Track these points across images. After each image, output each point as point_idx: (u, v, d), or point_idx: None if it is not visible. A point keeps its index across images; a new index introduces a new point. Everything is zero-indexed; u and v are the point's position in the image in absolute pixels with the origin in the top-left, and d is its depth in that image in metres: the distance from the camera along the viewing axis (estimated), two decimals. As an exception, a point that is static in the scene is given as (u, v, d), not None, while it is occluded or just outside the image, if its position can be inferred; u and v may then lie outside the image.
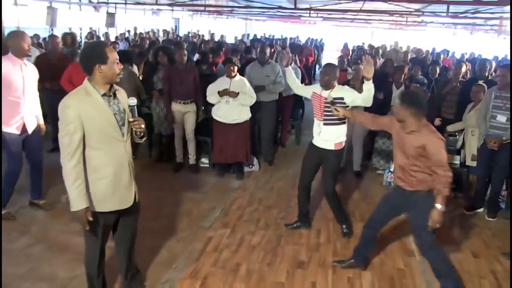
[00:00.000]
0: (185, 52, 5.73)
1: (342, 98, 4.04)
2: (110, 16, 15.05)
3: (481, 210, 5.28)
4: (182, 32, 19.35)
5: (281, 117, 7.21)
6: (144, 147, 6.40)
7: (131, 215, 3.05)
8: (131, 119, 2.81)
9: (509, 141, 4.88)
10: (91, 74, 2.68)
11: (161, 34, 15.59)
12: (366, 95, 3.93)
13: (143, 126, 2.85)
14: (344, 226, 4.48)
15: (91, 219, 2.70)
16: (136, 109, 2.80)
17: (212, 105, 5.70)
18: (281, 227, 4.58)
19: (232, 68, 5.47)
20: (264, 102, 6.19)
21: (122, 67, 2.79)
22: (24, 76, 4.24)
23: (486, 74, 6.29)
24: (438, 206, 3.21)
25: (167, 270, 3.70)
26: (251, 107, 5.70)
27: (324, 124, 4.15)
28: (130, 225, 3.11)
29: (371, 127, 3.91)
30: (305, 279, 3.69)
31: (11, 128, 4.25)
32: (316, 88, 4.22)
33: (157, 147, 6.36)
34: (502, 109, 4.91)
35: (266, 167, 6.41)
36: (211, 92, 5.52)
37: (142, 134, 2.90)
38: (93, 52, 2.70)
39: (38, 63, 6.24)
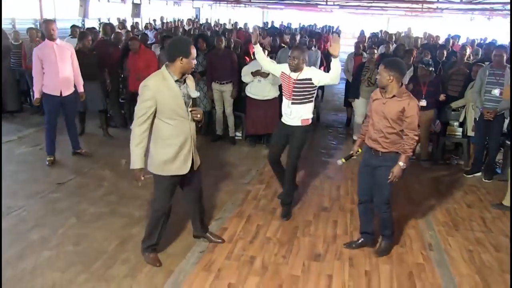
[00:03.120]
0: (223, 39, 6.77)
1: (310, 79, 4.32)
2: (136, 7, 16.08)
3: (479, 174, 6.21)
4: (203, 21, 20.27)
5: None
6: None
7: (193, 177, 3.72)
8: (190, 109, 3.46)
9: (502, 112, 5.81)
10: (173, 62, 3.32)
11: (185, 23, 16.54)
12: (335, 73, 4.20)
13: (199, 115, 3.48)
14: (284, 208, 4.70)
15: (142, 178, 3.44)
16: (197, 100, 3.57)
17: (246, 85, 6.71)
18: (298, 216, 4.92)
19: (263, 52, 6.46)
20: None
21: (196, 62, 3.51)
22: (56, 53, 5.60)
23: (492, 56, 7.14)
24: (401, 163, 3.66)
25: (218, 211, 4.74)
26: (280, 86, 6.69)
27: (292, 103, 4.40)
28: (194, 183, 3.78)
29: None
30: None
31: (50, 91, 5.67)
32: (285, 68, 4.42)
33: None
34: (495, 84, 5.81)
35: (291, 139, 7.42)
36: (245, 73, 6.53)
37: (198, 120, 3.55)
38: (180, 46, 3.35)
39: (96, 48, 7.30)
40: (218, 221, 4.54)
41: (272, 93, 6.56)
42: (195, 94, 3.52)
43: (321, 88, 9.02)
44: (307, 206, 4.97)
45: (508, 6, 19.38)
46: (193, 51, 3.37)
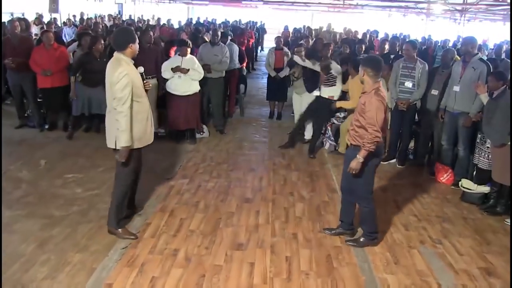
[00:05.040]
0: (151, 33, 6.86)
1: (331, 73, 6.58)
2: (54, 2, 15.37)
3: (393, 160, 6.62)
4: (125, 18, 19.81)
5: (228, 91, 8.30)
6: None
7: (141, 155, 4.22)
8: (144, 82, 3.99)
9: (415, 102, 6.22)
10: (124, 50, 3.78)
11: (106, 19, 16.11)
12: None
13: (150, 85, 4.15)
14: (311, 146, 6.76)
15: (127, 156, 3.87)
16: (143, 76, 4.00)
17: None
18: (221, 208, 5.40)
19: (186, 49, 6.50)
20: (213, 79, 7.29)
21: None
22: None
23: (397, 50, 7.62)
24: (358, 156, 3.79)
25: (142, 207, 4.73)
26: (200, 82, 6.74)
27: (324, 86, 6.59)
28: (140, 160, 4.25)
29: None
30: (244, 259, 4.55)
31: None
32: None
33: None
34: (408, 76, 6.21)
35: (216, 134, 7.53)
36: (165, 69, 6.51)
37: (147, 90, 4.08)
38: (128, 35, 3.86)
39: (3, 45, 6.99)
40: (142, 216, 4.54)
41: (193, 88, 6.59)
42: (141, 69, 3.99)
43: (244, 82, 9.21)
44: (230, 198, 5.08)
45: (421, 5, 20.70)
46: (136, 36, 3.92)
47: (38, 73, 6.73)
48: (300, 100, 7.30)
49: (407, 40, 8.55)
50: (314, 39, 10.48)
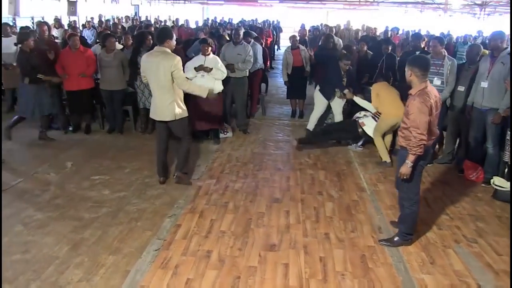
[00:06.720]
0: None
1: None
2: (72, 5, 15.62)
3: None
4: (142, 19, 19.88)
5: (250, 91, 8.24)
6: (130, 121, 7.38)
7: None
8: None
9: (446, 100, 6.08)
10: (163, 43, 4.75)
11: (124, 20, 16.18)
12: None
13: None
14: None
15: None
16: None
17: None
18: (250, 208, 5.31)
19: (206, 48, 6.46)
20: (236, 78, 7.25)
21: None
22: None
23: (422, 46, 7.48)
24: (407, 161, 3.75)
25: (171, 208, 4.72)
26: (224, 82, 6.70)
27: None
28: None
29: None
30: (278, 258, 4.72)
31: None
32: None
33: (143, 120, 7.29)
34: (436, 74, 6.05)
35: (239, 133, 7.49)
36: (188, 69, 6.45)
37: None
38: (168, 32, 4.87)
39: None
40: (172, 218, 4.51)
41: (216, 88, 6.52)
42: None
43: (266, 81, 9.16)
44: (259, 199, 5.04)
45: (438, 1, 20.45)
46: (174, 35, 4.95)
47: (62, 76, 6.76)
48: (326, 102, 7.17)
49: (434, 36, 8.30)
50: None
